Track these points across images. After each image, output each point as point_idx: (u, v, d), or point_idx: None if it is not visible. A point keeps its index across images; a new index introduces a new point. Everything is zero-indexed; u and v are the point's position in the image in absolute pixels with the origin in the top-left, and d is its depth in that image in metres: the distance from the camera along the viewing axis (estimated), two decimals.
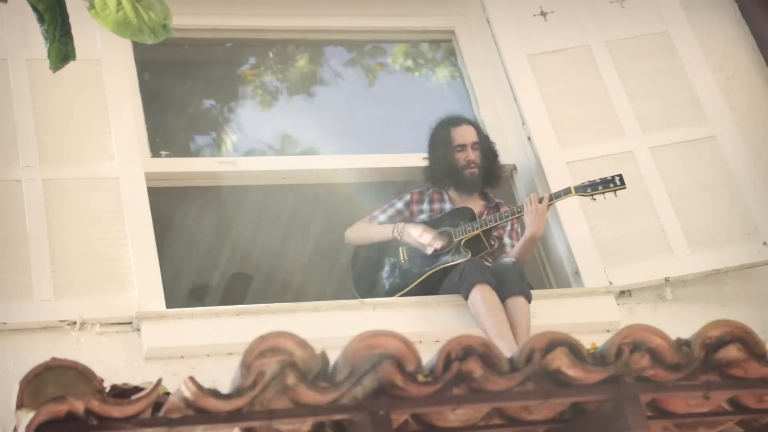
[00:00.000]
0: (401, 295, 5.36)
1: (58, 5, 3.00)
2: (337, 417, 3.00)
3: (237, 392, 2.84)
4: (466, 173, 5.54)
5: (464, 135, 5.58)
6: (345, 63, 6.66)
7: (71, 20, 3.10)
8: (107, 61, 5.45)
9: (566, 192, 5.36)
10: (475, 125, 5.69)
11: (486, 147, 5.62)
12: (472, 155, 5.55)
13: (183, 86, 6.81)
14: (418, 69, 6.66)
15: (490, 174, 5.60)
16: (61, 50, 3.01)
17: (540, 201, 5.29)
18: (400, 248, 5.50)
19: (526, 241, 5.33)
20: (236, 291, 8.12)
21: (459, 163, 5.54)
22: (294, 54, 6.66)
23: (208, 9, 5.96)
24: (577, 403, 3.26)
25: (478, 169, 5.55)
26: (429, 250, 5.39)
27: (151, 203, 5.23)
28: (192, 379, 2.80)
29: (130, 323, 4.90)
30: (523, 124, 5.85)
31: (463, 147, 5.55)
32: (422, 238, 5.40)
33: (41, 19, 3.01)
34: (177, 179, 5.65)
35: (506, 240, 5.51)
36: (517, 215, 5.36)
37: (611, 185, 5.33)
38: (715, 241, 5.55)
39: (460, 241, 5.39)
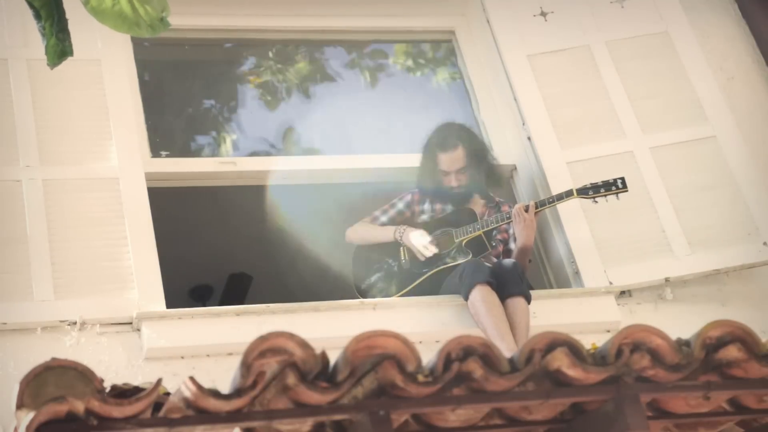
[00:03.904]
0: (401, 295, 5.36)
1: (55, 1, 2.99)
2: (337, 417, 2.99)
3: (237, 392, 2.83)
4: (454, 193, 5.53)
5: (450, 162, 5.49)
6: (345, 64, 6.66)
7: (71, 21, 3.10)
8: (107, 61, 5.45)
9: (568, 194, 5.35)
10: (466, 142, 5.55)
11: (478, 161, 5.55)
12: (456, 181, 5.51)
13: (183, 86, 6.80)
14: (419, 69, 6.65)
15: (487, 179, 5.58)
16: (58, 46, 3.01)
17: (526, 210, 5.28)
18: (401, 248, 5.50)
19: (518, 251, 5.34)
20: (236, 291, 8.13)
21: (445, 185, 5.52)
22: (294, 54, 6.66)
23: (208, 9, 5.96)
24: (577, 403, 3.26)
25: (466, 187, 5.52)
26: (426, 253, 5.37)
27: (151, 203, 5.23)
28: (192, 379, 2.80)
29: (130, 323, 4.90)
30: (523, 124, 5.84)
31: (447, 173, 5.52)
32: (418, 244, 5.39)
33: (38, 16, 3.01)
34: (177, 179, 5.64)
35: (512, 245, 5.50)
36: (508, 221, 5.35)
37: (613, 188, 5.33)
38: (715, 241, 5.55)
39: (462, 241, 5.39)
